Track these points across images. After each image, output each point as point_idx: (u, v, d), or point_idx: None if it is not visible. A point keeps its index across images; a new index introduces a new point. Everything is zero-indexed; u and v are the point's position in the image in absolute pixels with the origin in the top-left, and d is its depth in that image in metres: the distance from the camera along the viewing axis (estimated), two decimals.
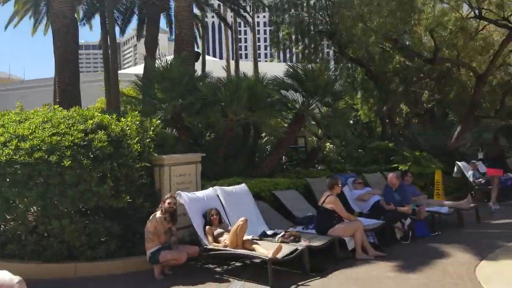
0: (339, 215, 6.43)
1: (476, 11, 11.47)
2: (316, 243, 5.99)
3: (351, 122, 20.09)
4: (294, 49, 16.17)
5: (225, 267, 6.14)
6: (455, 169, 12.72)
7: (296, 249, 5.71)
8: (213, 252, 5.94)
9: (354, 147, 15.92)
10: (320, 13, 13.58)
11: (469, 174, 12.35)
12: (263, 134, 10.28)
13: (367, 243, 6.39)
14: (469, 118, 12.42)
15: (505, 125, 18.81)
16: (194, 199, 6.33)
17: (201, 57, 22.01)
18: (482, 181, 12.04)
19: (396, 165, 12.19)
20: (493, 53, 13.02)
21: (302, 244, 5.89)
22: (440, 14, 11.51)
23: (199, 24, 22.32)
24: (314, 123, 9.02)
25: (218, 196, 6.69)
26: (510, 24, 11.56)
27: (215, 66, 17.65)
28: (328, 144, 10.91)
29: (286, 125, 9.21)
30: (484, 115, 14.48)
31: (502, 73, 16.28)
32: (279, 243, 5.57)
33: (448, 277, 5.36)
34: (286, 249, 5.69)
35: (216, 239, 5.91)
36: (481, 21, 12.16)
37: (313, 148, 10.71)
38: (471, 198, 8.86)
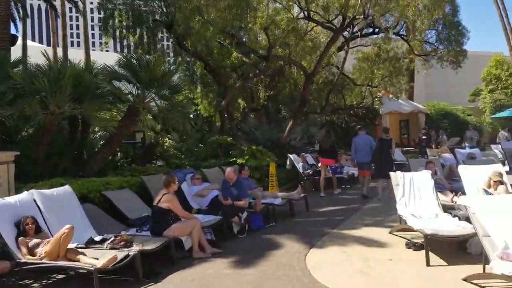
0: (175, 214, 6.11)
1: (305, 13, 12.27)
2: (150, 246, 5.58)
3: (191, 116, 20.03)
4: (131, 39, 15.28)
5: (44, 281, 5.35)
6: (288, 161, 13.52)
7: (128, 255, 5.23)
8: (29, 266, 5.10)
9: (194, 141, 15.84)
10: (157, 1, 13.02)
11: (299, 166, 13.24)
12: (96, 129, 9.42)
13: (204, 241, 6.22)
14: (299, 113, 13.32)
15: (329, 120, 20.85)
16: (3, 205, 5.35)
17: (21, 42, 19.45)
18: (310, 172, 13.01)
19: (234, 159, 12.42)
20: (319, 53, 14.15)
21: (134, 249, 5.42)
22: (274, 13, 12.01)
23: (19, 4, 19.72)
24: (151, 116, 8.52)
25: (35, 201, 5.78)
26: (334, 27, 12.64)
27: (38, 53, 15.71)
28: (166, 139, 10.51)
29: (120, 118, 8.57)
30: (311, 111, 15.73)
31: (327, 72, 17.94)
32: (111, 254, 5.01)
33: (282, 269, 5.48)
34: (118, 255, 5.19)
35: (31, 251, 5.08)
36: (310, 22, 13.08)
37: (149, 143, 10.21)
38: (301, 189, 9.39)
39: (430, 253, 5.35)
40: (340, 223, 7.87)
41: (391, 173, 7.07)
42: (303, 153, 13.71)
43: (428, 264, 5.25)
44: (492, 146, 18.61)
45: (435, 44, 16.26)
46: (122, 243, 5.50)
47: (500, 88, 27.10)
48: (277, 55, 13.44)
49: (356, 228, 7.39)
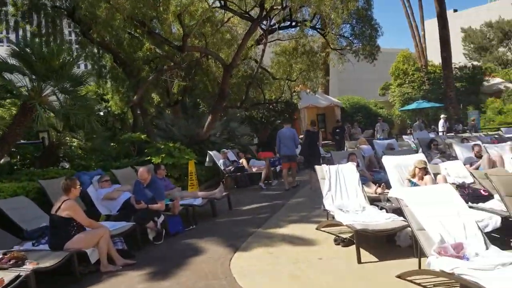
0: (78, 223, 5.27)
1: (222, 2, 11.72)
2: (48, 263, 4.72)
3: (101, 113, 18.65)
4: (28, 28, 13.70)
5: None
6: (207, 158, 12.91)
7: (18, 276, 4.36)
8: None
9: (104, 140, 14.64)
10: None
11: (220, 162, 12.69)
12: None
13: (114, 252, 5.44)
14: (218, 108, 12.74)
15: (249, 115, 20.52)
16: None
17: None
18: (232, 169, 12.52)
19: (149, 157, 11.58)
20: (238, 45, 13.65)
21: (27, 267, 4.54)
22: (188, 2, 11.29)
23: None
24: (51, 113, 7.45)
25: None
26: (251, 18, 12.21)
27: None
28: (74, 138, 9.39)
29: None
30: (231, 106, 15.22)
31: (245, 66, 17.52)
32: None
33: (204, 278, 4.89)
34: (6, 277, 4.31)
35: None
36: (226, 12, 12.53)
37: (49, 143, 9.05)
38: (223, 187, 8.84)
39: (360, 249, 5.06)
40: (265, 221, 7.43)
41: (316, 167, 6.75)
42: (224, 149, 13.17)
43: (359, 261, 4.96)
44: (404, 136, 19.46)
45: (350, 38, 16.51)
46: (11, 262, 4.60)
47: (407, 82, 28.56)
48: (192, 46, 12.74)
49: (282, 226, 6.99)
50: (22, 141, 10.39)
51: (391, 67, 30.21)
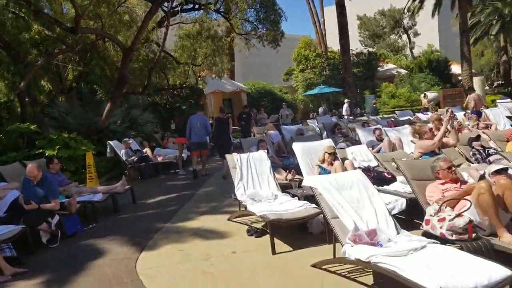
0: None
1: None
2: None
3: None
4: None
5: None
6: (108, 148, 12.07)
7: None
8: None
9: None
10: None
11: (122, 152, 11.93)
12: None
13: (1, 260, 4.72)
14: (118, 94, 11.89)
15: (152, 101, 19.65)
16: None
17: None
18: (135, 159, 11.84)
19: (41, 150, 10.50)
20: (137, 28, 12.83)
21: None
22: None
23: None
24: None
25: None
26: None
27: None
28: None
29: None
30: (132, 91, 14.34)
31: (147, 50, 16.64)
32: None
33: (107, 283, 4.41)
34: None
35: None
36: None
37: None
38: (125, 179, 8.22)
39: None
40: (173, 215, 7.02)
41: (227, 156, 6.46)
42: (126, 139, 12.40)
43: (274, 252, 4.80)
44: (308, 121, 19.99)
45: (255, 23, 16.41)
46: None
47: (309, 68, 29.40)
48: (87, 28, 11.69)
49: (192, 219, 6.64)
50: None
51: (293, 52, 30.87)
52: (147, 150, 12.44)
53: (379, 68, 31.32)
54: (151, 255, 5.19)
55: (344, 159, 6.93)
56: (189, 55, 17.45)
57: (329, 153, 6.36)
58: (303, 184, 5.38)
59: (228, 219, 6.21)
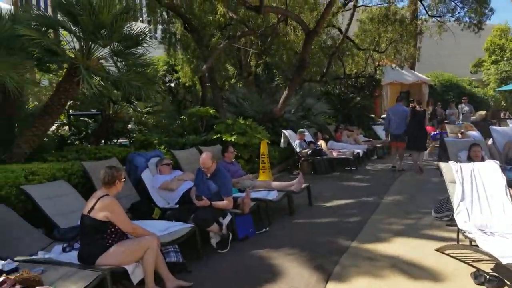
0: (118, 229, 3.91)
1: None
2: None
3: (172, 84, 17.65)
4: None
5: None
6: (282, 138, 11.35)
7: None
8: None
9: (169, 113, 13.56)
10: None
11: (296, 144, 11.09)
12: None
13: (164, 268, 4.04)
14: (297, 80, 11.05)
15: (325, 90, 18.59)
16: None
17: None
18: (309, 152, 10.88)
19: (219, 135, 10.24)
20: (320, 12, 11.81)
21: None
22: None
23: None
24: (98, 79, 6.17)
25: None
26: None
27: None
28: (133, 111, 8.18)
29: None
30: (309, 79, 13.44)
31: (325, 36, 15.56)
32: None
33: None
34: None
35: None
36: None
37: (105, 116, 7.89)
38: (302, 177, 7.19)
39: None
40: (358, 231, 5.69)
41: (443, 166, 4.86)
42: (302, 129, 11.51)
43: None
44: (508, 121, 16.64)
45: (455, 2, 13.95)
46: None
47: (505, 59, 24.99)
48: (271, 6, 11.04)
49: (385, 240, 5.23)
50: (79, 111, 9.47)
51: (486, 41, 26.54)
52: (321, 143, 11.39)
53: None
54: None
55: None
56: (372, 41, 15.83)
57: None
58: None
59: (438, 250, 4.67)
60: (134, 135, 8.41)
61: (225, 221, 5.20)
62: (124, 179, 4.10)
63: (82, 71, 5.29)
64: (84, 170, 5.58)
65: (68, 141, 8.12)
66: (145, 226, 4.46)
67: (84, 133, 8.27)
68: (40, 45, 5.35)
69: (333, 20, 14.79)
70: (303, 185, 7.07)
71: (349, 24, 12.66)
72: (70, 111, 9.83)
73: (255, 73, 13.72)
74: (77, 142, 8.08)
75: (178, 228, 4.70)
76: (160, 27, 14.16)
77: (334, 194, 8.10)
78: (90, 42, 5.77)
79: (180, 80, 17.52)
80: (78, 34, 5.88)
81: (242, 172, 7.43)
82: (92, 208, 3.84)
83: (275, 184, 7.07)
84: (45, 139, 6.79)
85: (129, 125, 9.47)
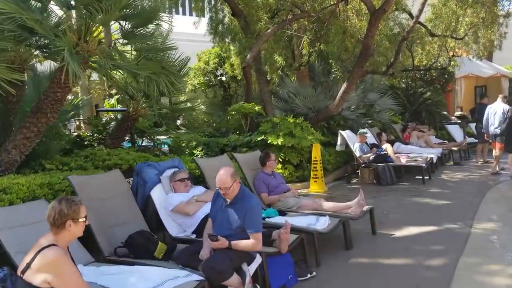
0: None
1: None
2: None
3: (223, 78, 16.37)
4: None
5: None
6: (339, 140, 9.65)
7: None
8: None
9: (210, 109, 12.28)
10: None
11: (356, 147, 9.35)
12: None
13: None
14: (357, 72, 9.29)
15: (390, 84, 16.51)
16: None
17: None
18: (371, 157, 9.11)
19: (264, 136, 8.77)
20: None
21: None
22: None
23: None
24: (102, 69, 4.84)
25: None
26: None
27: None
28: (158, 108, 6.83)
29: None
30: (373, 71, 11.54)
31: (391, 22, 13.51)
32: None
33: None
34: None
35: None
36: None
37: (125, 113, 6.61)
38: (363, 195, 5.48)
39: None
40: (444, 282, 3.98)
41: None
42: (364, 130, 9.73)
43: None
44: None
45: None
46: None
47: None
48: None
49: None
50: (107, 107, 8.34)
51: None
52: (387, 147, 9.55)
53: None
54: None
55: None
56: (447, 27, 13.59)
57: None
58: None
59: None
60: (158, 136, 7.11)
61: (252, 268, 3.67)
62: (84, 219, 2.68)
63: (66, 55, 3.95)
64: (71, 185, 4.24)
65: (86, 142, 6.95)
66: (136, 275, 3.08)
67: (105, 133, 7.06)
68: (15, 22, 4.06)
69: (402, 1, 12.77)
70: (365, 208, 5.39)
71: (423, 5, 10.66)
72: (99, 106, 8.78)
73: (309, 63, 12.00)
74: (96, 144, 6.88)
75: (180, 282, 3.23)
76: (207, 15, 12.90)
77: (404, 216, 6.34)
78: (85, 18, 4.41)
79: (228, 73, 16.26)
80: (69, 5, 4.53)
81: (285, 187, 5.86)
82: (28, 266, 2.45)
83: (328, 205, 5.44)
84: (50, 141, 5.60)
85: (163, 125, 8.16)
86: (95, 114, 8.66)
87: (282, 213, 5.27)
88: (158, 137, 7.63)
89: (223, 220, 3.70)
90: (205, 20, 12.71)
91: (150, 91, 4.93)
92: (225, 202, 3.74)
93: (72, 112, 7.52)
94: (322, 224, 4.76)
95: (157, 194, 4.68)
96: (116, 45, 5.05)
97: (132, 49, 4.85)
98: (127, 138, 7.15)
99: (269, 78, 11.18)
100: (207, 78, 18.16)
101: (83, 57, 4.31)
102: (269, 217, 5.00)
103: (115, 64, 4.49)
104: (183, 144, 7.47)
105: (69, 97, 7.46)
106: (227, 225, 3.66)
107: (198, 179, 5.48)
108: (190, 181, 4.87)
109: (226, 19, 12.64)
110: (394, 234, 5.50)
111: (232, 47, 13.11)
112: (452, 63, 16.72)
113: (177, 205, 4.52)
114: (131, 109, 6.42)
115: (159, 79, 4.61)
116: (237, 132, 10.29)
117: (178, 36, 10.52)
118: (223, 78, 18.01)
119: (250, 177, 5.82)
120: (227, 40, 12.88)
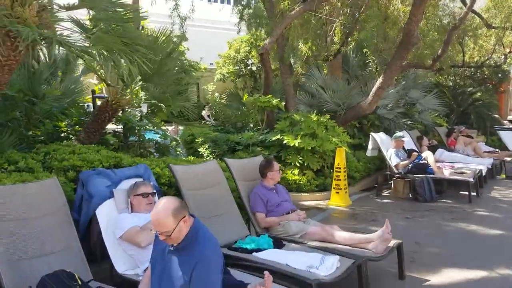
0: None
1: None
2: None
3: (253, 68, 15.11)
4: None
5: None
6: (370, 144, 8.20)
7: None
8: None
9: (226, 100, 11.14)
10: None
11: (390, 154, 7.88)
12: None
13: None
14: (396, 62, 7.78)
15: (436, 81, 14.78)
16: None
17: None
18: (410, 166, 7.64)
19: (279, 136, 7.52)
20: None
21: None
22: None
23: None
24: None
25: None
26: None
27: None
28: (141, 93, 5.64)
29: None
30: (415, 64, 9.93)
31: (439, 11, 11.80)
32: None
33: None
34: None
35: None
36: None
37: (102, 102, 5.47)
38: (390, 227, 4.10)
39: None
40: None
41: None
42: (400, 134, 8.22)
43: None
44: None
45: None
46: None
47: None
48: None
49: None
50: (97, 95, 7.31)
51: None
52: (427, 156, 8.01)
53: None
54: None
55: None
56: (507, 17, 11.76)
57: None
58: None
59: None
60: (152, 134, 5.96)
61: None
62: None
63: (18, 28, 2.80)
64: None
65: (62, 134, 5.86)
66: None
67: (85, 124, 5.93)
68: None
69: None
70: (391, 243, 4.02)
71: None
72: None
73: (343, 54, 10.52)
74: (73, 137, 5.78)
75: None
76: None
77: (443, 249, 4.91)
78: None
79: (254, 63, 15.05)
80: None
81: (290, 206, 4.56)
82: None
83: (342, 236, 4.09)
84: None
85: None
86: (92, 101, 7.60)
87: (278, 243, 3.99)
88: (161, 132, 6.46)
89: (163, 273, 2.44)
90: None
91: (119, 74, 3.75)
92: (168, 246, 2.47)
93: (68, 100, 6.50)
94: (328, 267, 3.42)
95: (105, 213, 3.49)
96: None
97: (90, 15, 3.66)
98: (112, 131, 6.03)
99: (295, 69, 9.82)
100: (237, 67, 17.02)
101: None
102: (258, 250, 3.73)
103: (45, 35, 3.29)
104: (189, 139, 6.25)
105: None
106: (168, 281, 2.40)
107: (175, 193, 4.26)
108: (156, 197, 3.66)
109: (253, 2, 11.41)
110: (429, 280, 4.09)
111: (260, 33, 11.85)
112: (508, 60, 14.87)
113: (128, 230, 3.32)
114: (109, 98, 5.26)
115: (117, 58, 3.39)
116: (256, 128, 9.06)
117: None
118: (253, 68, 16.80)
119: (244, 190, 4.55)
120: (254, 25, 11.59)
